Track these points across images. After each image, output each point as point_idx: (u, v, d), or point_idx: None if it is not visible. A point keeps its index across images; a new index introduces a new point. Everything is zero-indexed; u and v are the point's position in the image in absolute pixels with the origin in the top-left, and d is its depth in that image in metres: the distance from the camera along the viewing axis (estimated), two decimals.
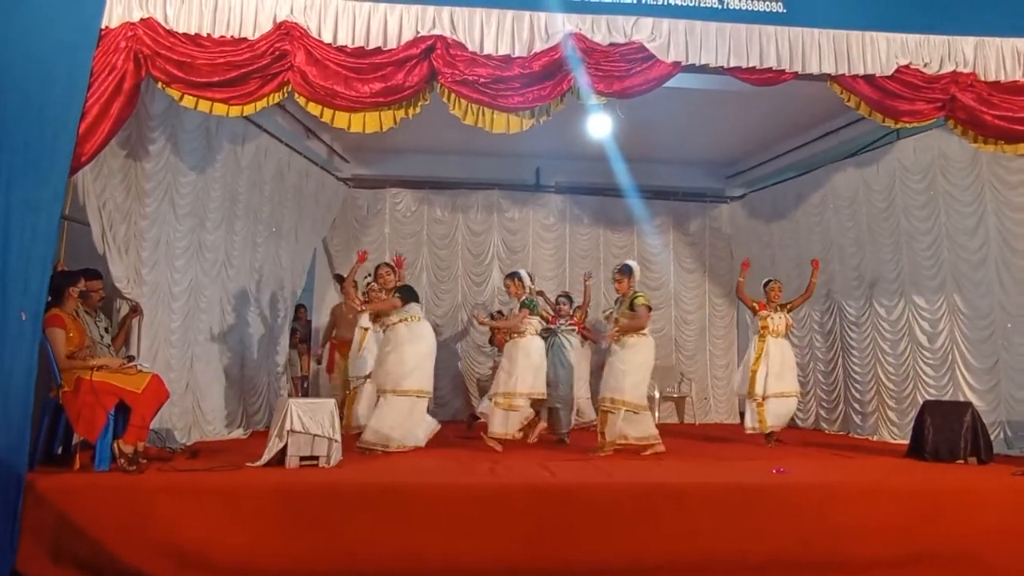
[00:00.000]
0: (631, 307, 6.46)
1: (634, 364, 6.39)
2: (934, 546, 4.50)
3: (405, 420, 6.33)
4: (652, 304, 7.09)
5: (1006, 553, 4.52)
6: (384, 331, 6.63)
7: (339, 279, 8.59)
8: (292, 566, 4.20)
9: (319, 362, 8.82)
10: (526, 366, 6.62)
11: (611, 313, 6.77)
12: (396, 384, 6.31)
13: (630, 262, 6.80)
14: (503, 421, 6.60)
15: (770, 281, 7.62)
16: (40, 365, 4.56)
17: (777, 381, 7.25)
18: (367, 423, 6.41)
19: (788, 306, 7.52)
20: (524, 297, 6.85)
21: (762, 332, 7.41)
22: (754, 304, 7.49)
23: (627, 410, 6.31)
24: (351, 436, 6.55)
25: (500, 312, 9.32)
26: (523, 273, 7.08)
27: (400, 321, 6.46)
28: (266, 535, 4.24)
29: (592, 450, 6.35)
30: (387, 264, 6.91)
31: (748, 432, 7.31)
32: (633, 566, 4.33)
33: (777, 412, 7.27)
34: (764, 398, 7.22)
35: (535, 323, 6.88)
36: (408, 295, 6.55)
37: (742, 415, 9.58)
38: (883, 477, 5.36)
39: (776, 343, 7.36)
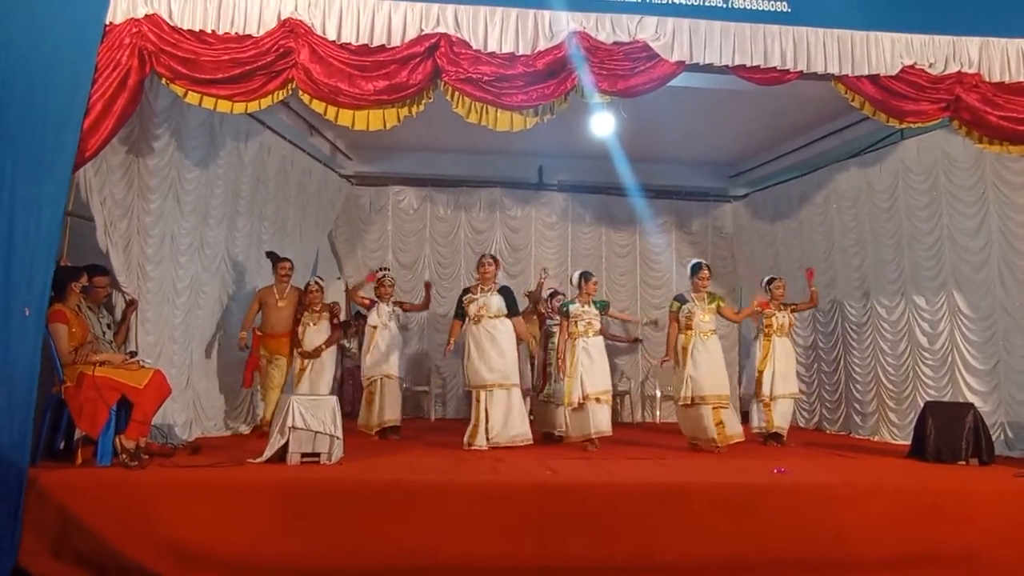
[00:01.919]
0: (716, 304, 6.87)
1: (723, 360, 6.80)
2: (936, 547, 4.50)
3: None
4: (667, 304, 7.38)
5: (1007, 554, 4.52)
6: (475, 325, 6.58)
7: (272, 257, 7.45)
8: (293, 562, 4.20)
9: (241, 348, 7.17)
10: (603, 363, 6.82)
11: (688, 310, 6.80)
12: (511, 378, 6.50)
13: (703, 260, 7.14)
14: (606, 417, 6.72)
15: (774, 279, 7.61)
16: (42, 360, 4.56)
17: (783, 382, 7.28)
18: (508, 424, 6.38)
19: (792, 307, 7.55)
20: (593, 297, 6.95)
21: (767, 331, 7.41)
22: (758, 307, 7.43)
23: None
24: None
25: None
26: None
27: (498, 316, 6.53)
28: (267, 531, 4.24)
29: (714, 447, 6.51)
30: (492, 256, 6.91)
31: (755, 432, 7.31)
32: (635, 565, 4.33)
33: (784, 412, 7.32)
34: (772, 399, 7.24)
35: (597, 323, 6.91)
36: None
37: (743, 415, 9.60)
38: (885, 477, 5.35)
39: (781, 342, 7.37)
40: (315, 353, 7.17)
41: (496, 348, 6.45)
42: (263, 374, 7.23)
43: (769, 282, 7.57)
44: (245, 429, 7.43)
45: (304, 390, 6.94)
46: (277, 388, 7.14)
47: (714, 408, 6.54)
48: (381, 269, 7.76)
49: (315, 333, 7.24)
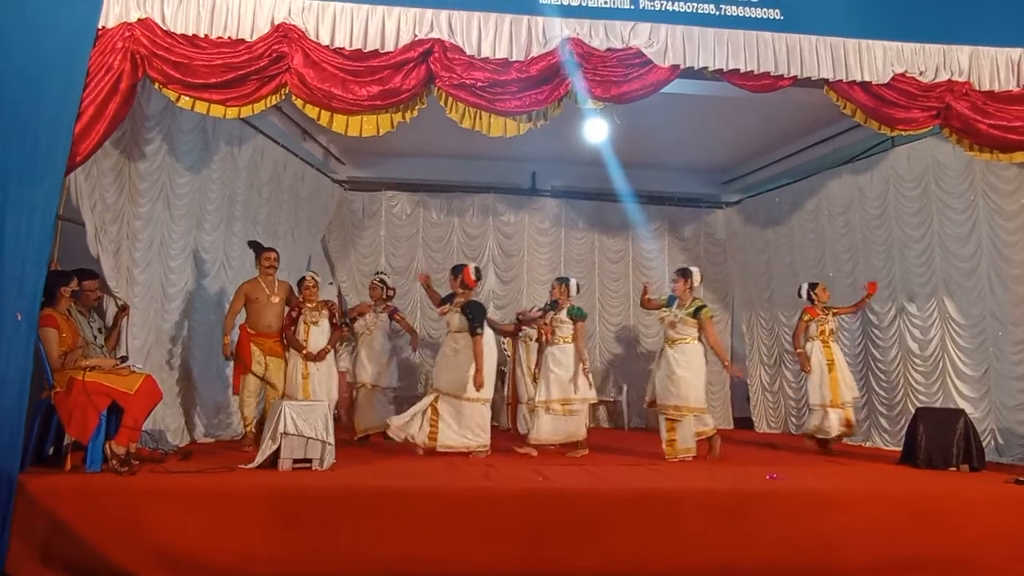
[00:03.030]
0: (694, 315, 6.51)
1: (696, 370, 6.50)
2: (927, 552, 4.52)
3: (487, 424, 6.43)
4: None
5: (998, 559, 4.54)
6: (447, 335, 6.55)
7: (255, 247, 6.79)
8: (284, 569, 4.19)
9: (227, 356, 6.55)
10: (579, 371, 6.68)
11: (666, 316, 6.67)
12: (454, 392, 6.28)
13: (692, 268, 6.89)
14: (553, 428, 6.60)
15: (816, 284, 7.51)
16: (32, 365, 4.53)
17: (848, 390, 7.22)
18: (458, 434, 6.25)
19: (833, 311, 7.45)
20: (569, 305, 6.81)
21: (822, 337, 7.27)
22: (807, 319, 7.30)
23: (694, 415, 6.44)
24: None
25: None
26: (573, 282, 7.00)
27: (460, 332, 6.39)
28: (258, 538, 4.23)
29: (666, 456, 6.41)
30: (454, 268, 6.70)
31: (832, 438, 7.11)
32: (626, 571, 4.33)
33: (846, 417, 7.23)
34: (843, 404, 7.13)
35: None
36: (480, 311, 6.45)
37: (741, 422, 9.57)
38: (876, 484, 5.37)
39: (835, 346, 7.32)
40: (321, 356, 6.58)
41: (452, 360, 6.36)
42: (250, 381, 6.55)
43: (812, 287, 7.46)
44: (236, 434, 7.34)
45: (319, 397, 6.49)
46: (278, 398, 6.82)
47: (668, 419, 6.43)
48: (377, 273, 7.69)
49: (319, 334, 6.65)
